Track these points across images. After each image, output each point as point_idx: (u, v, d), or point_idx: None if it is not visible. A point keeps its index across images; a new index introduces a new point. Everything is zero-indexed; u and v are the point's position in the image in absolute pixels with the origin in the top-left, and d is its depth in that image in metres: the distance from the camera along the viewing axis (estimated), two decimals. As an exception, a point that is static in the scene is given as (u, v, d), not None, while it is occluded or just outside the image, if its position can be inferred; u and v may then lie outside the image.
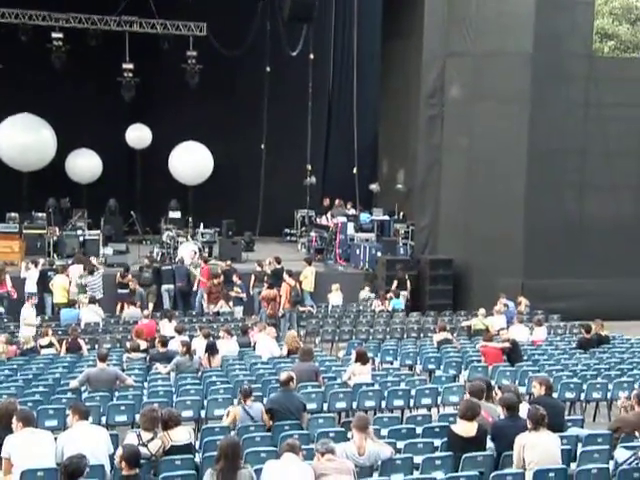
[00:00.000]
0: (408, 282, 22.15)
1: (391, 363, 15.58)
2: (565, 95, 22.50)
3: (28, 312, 16.76)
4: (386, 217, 27.00)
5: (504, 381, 12.88)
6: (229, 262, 22.22)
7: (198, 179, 28.76)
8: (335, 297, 21.48)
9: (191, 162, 28.51)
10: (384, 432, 9.52)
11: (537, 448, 8.03)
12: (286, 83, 29.04)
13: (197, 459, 8.62)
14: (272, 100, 29.51)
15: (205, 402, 11.36)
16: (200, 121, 28.30)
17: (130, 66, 26.61)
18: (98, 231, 24.89)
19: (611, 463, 8.38)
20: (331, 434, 9.32)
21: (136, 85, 26.64)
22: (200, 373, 13.04)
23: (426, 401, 12.10)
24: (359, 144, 27.06)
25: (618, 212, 22.62)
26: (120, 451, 7.44)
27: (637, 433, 8.56)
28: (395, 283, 21.84)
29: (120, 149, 28.86)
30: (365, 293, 21.84)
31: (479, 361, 14.43)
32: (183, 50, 27.88)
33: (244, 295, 20.79)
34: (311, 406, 11.27)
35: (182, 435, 8.40)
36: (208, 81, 27.35)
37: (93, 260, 20.86)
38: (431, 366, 14.86)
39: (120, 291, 20.42)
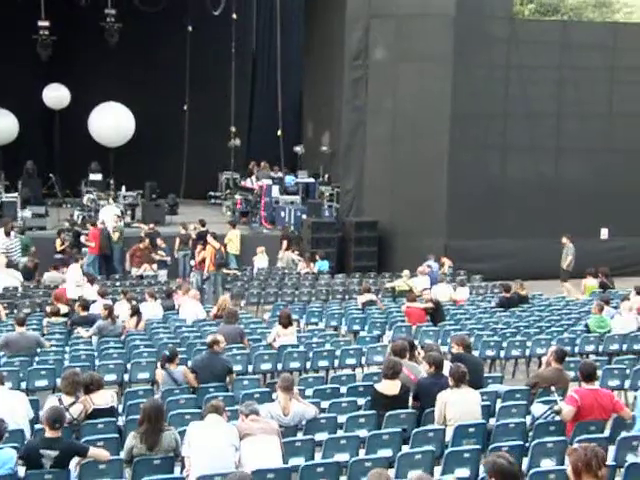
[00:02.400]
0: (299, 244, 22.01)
1: (316, 324, 15.65)
2: (487, 57, 22.71)
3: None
4: (311, 179, 26.95)
5: (427, 340, 13.07)
6: (152, 225, 21.91)
7: (119, 141, 28.15)
8: (260, 260, 21.43)
9: (111, 123, 27.86)
10: (309, 392, 9.59)
11: (458, 405, 8.19)
12: (208, 43, 28.56)
13: (120, 422, 8.55)
14: (194, 60, 28.99)
15: (129, 365, 11.25)
16: (121, 81, 27.64)
17: (46, 24, 25.69)
18: (16, 194, 24.19)
19: (528, 418, 8.60)
20: (256, 395, 9.35)
21: (53, 43, 25.79)
22: (123, 337, 12.88)
23: (350, 361, 12.21)
24: (283, 106, 26.88)
25: (538, 174, 23.03)
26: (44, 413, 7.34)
27: (553, 388, 8.77)
28: (285, 243, 21.80)
29: (38, 110, 28.02)
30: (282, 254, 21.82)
31: (403, 321, 14.60)
32: (102, 8, 27.06)
33: (168, 258, 20.56)
34: (236, 368, 11.23)
35: (104, 399, 8.31)
36: (128, 40, 26.65)
37: (11, 222, 20.20)
38: (356, 327, 14.99)
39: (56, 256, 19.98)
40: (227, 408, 7.93)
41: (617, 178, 23.36)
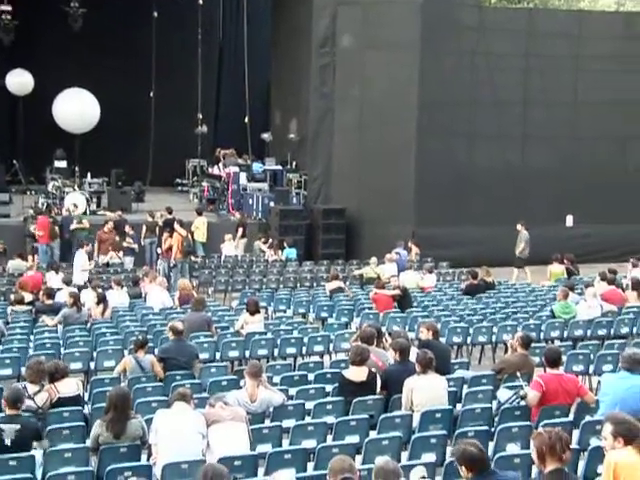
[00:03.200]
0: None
1: (284, 312, 15.66)
2: (454, 45, 22.75)
3: None
4: (279, 167, 26.88)
5: (394, 327, 13.07)
6: (119, 212, 21.74)
7: (84, 127, 27.74)
8: (228, 247, 21.36)
9: (76, 110, 27.44)
10: (276, 379, 9.59)
11: (424, 391, 8.23)
12: (174, 29, 28.32)
13: (86, 410, 8.49)
14: (160, 47, 28.72)
15: (94, 354, 11.16)
16: (85, 67, 27.25)
17: (8, 8, 25.29)
18: (-21, 181, 23.88)
19: (494, 403, 8.67)
20: (223, 382, 9.35)
21: (15, 28, 25.38)
22: (89, 325, 12.77)
23: (318, 348, 12.22)
24: (251, 93, 26.75)
25: (505, 161, 23.17)
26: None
27: (519, 374, 8.85)
28: (241, 231, 21.73)
29: (1, 96, 27.59)
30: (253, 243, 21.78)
31: (370, 308, 14.64)
32: (65, -8, 26.69)
33: (136, 246, 20.43)
34: (203, 355, 11.24)
35: (70, 387, 8.25)
36: (93, 26, 26.31)
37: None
38: (324, 314, 15.01)
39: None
40: (194, 396, 7.92)
41: (582, 166, 23.59)
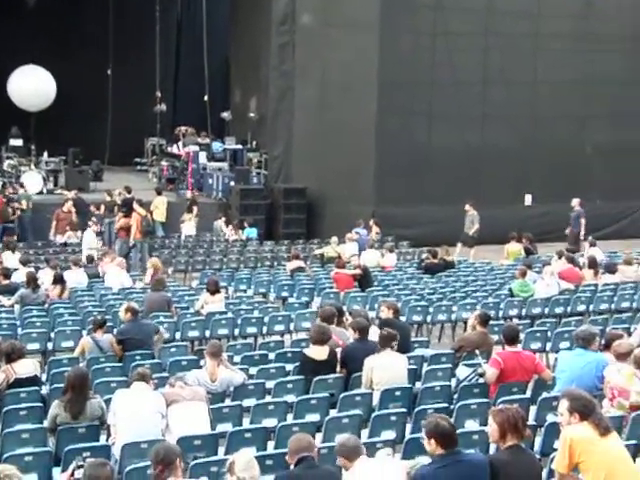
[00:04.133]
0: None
1: (245, 291, 15.63)
2: (414, 24, 22.68)
3: None
4: (239, 146, 26.71)
5: (355, 306, 13.13)
6: (75, 192, 21.46)
7: (40, 105, 27.28)
8: (188, 227, 21.22)
9: (32, 87, 26.93)
10: (237, 359, 9.59)
11: (385, 369, 8.28)
12: (131, 6, 27.85)
13: (44, 391, 8.40)
14: (117, 24, 28.21)
15: (52, 334, 11.04)
16: (41, 44, 26.76)
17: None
18: None
19: (453, 381, 8.74)
20: (183, 362, 9.32)
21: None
22: (47, 305, 12.62)
23: (279, 328, 12.23)
24: (210, 71, 26.40)
25: (464, 141, 23.21)
26: None
27: (477, 351, 8.94)
28: (195, 209, 21.50)
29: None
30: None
31: (331, 288, 14.66)
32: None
33: (99, 226, 20.20)
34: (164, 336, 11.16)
35: (27, 367, 8.16)
36: (48, 2, 25.85)
37: None
38: (284, 293, 15.01)
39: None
40: (154, 376, 7.89)
41: (541, 145, 23.70)
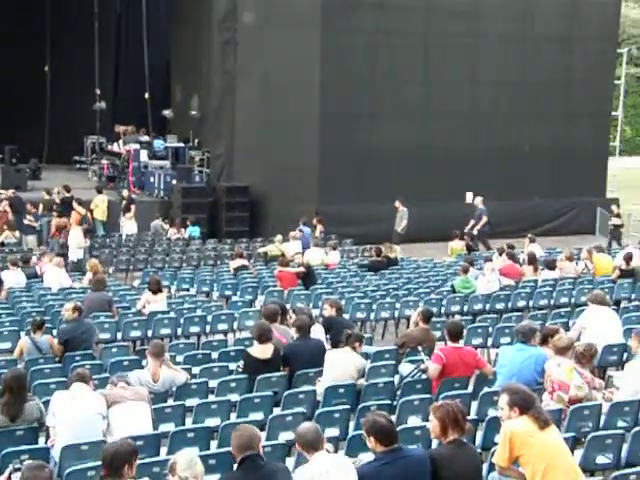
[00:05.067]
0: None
1: (187, 290, 15.50)
2: (355, 22, 22.70)
3: None
4: (181, 144, 26.53)
5: (299, 304, 13.11)
6: (13, 190, 21.04)
7: (-26, 101, 26.77)
8: (129, 226, 20.97)
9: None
10: (180, 358, 9.52)
11: (336, 365, 8.31)
12: (70, 1, 27.41)
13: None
14: (55, 19, 27.83)
15: (-11, 336, 10.79)
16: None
17: None
18: None
19: (396, 377, 8.79)
20: (125, 363, 9.18)
21: None
22: (-17, 306, 12.34)
23: (222, 326, 12.16)
24: (150, 68, 26.15)
25: (407, 139, 23.35)
26: None
27: (420, 347, 9.00)
28: (133, 208, 21.29)
29: None
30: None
31: (275, 286, 14.64)
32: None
33: (37, 224, 19.84)
34: (104, 336, 11.07)
35: (-37, 371, 7.94)
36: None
37: None
38: (228, 292, 14.92)
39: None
40: (94, 376, 7.78)
41: (481, 144, 23.97)
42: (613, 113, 27.05)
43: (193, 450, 6.10)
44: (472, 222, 20.95)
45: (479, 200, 21.32)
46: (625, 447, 6.56)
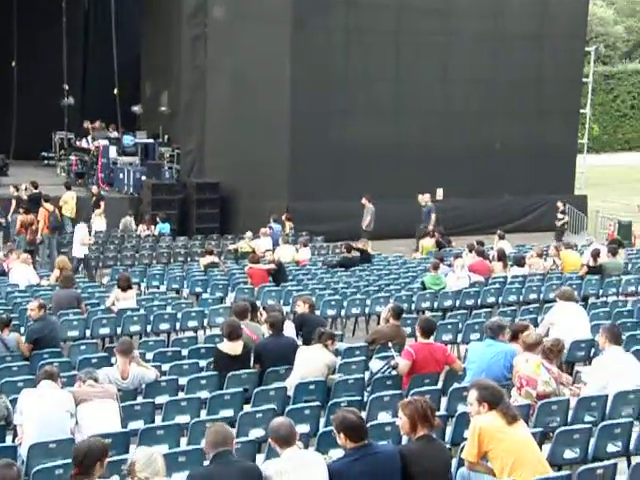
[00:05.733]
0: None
1: (157, 287, 15.41)
2: (326, 19, 22.71)
3: None
4: (150, 140, 26.37)
5: (269, 301, 13.10)
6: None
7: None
8: (98, 222, 20.81)
9: None
10: (149, 356, 9.45)
11: (307, 362, 8.31)
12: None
13: (-54, 394, 8.09)
14: (21, 14, 27.47)
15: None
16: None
17: None
18: None
19: (367, 373, 8.81)
20: (94, 360, 9.12)
21: None
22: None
23: (192, 323, 12.10)
24: (119, 64, 25.89)
25: (378, 136, 23.38)
26: None
27: (390, 344, 9.02)
28: (102, 205, 21.19)
29: None
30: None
31: (245, 283, 14.60)
32: None
33: (2, 220, 19.60)
34: (73, 333, 10.98)
35: None
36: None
37: None
38: (198, 289, 14.85)
39: None
40: (62, 374, 7.71)
41: (452, 141, 24.09)
42: (581, 111, 27.29)
43: (160, 448, 6.08)
44: (424, 221, 20.92)
45: (427, 197, 21.33)
46: (592, 441, 6.62)
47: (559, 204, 23.35)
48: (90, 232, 20.32)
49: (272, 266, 15.05)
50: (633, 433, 6.77)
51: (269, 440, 5.61)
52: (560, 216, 23.20)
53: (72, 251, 17.21)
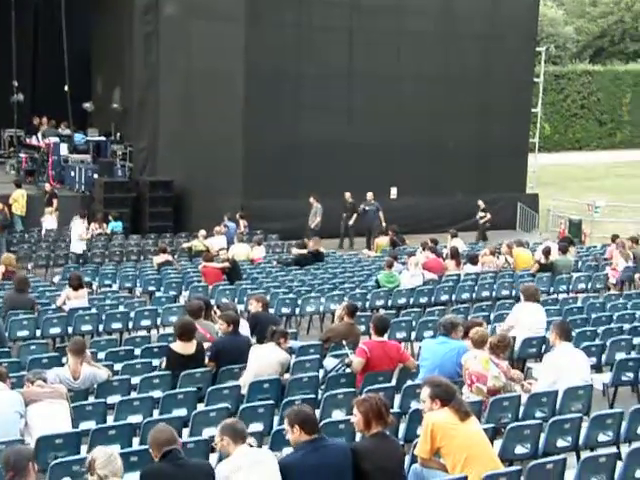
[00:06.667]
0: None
1: (110, 286, 15.26)
2: (279, 16, 22.64)
3: None
4: (102, 137, 26.06)
5: (224, 299, 13.06)
6: None
7: None
8: (49, 221, 20.53)
9: None
10: (101, 355, 9.35)
11: (260, 361, 8.28)
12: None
13: None
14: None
15: None
16: None
17: None
18: None
19: (321, 371, 8.82)
20: (44, 360, 9.00)
21: None
22: None
23: (145, 322, 12.01)
24: (70, 60, 25.50)
25: (332, 134, 23.37)
26: None
27: (345, 342, 9.04)
28: (55, 203, 20.95)
29: None
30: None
31: (199, 281, 14.53)
32: None
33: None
34: (23, 333, 10.85)
35: None
36: None
37: None
38: (151, 288, 14.75)
39: None
40: (12, 374, 7.60)
41: (405, 139, 24.16)
42: (533, 110, 27.63)
43: (114, 447, 6.01)
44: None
45: (370, 196, 21.41)
46: (542, 437, 6.71)
47: (480, 202, 23.09)
48: (41, 231, 20.13)
49: (226, 264, 15.02)
50: (582, 428, 6.87)
51: (221, 439, 5.58)
52: (481, 214, 22.92)
53: (70, 247, 17.36)
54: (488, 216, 22.94)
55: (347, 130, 23.59)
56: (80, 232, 17.82)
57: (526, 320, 10.05)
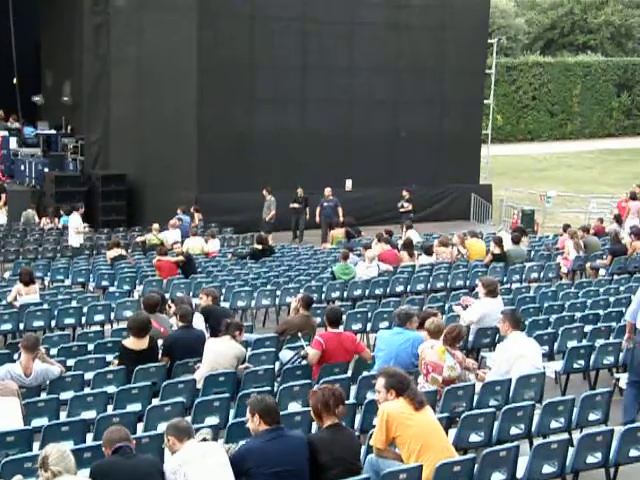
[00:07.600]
0: None
1: (62, 281, 15.07)
2: (232, 7, 22.51)
3: None
4: (53, 131, 25.71)
5: (178, 293, 12.97)
6: None
7: None
8: (-1, 216, 20.25)
9: None
10: (54, 351, 9.25)
11: (215, 354, 8.24)
12: None
13: None
14: None
15: None
16: None
17: None
18: None
19: (277, 364, 8.81)
20: (-5, 358, 8.83)
21: None
22: None
23: (99, 318, 11.90)
24: (18, 52, 25.07)
25: (285, 126, 23.33)
26: None
27: (300, 334, 9.04)
28: (4, 197, 20.75)
29: None
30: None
31: (154, 275, 14.43)
32: None
33: None
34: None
35: None
36: None
37: None
38: (105, 283, 14.59)
39: None
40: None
41: (359, 130, 24.22)
42: (485, 101, 27.87)
43: (67, 444, 5.94)
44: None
45: (328, 191, 21.38)
46: (496, 425, 6.78)
47: (404, 192, 22.24)
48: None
49: (181, 258, 14.92)
50: (535, 416, 6.96)
51: (167, 440, 5.58)
52: (406, 204, 22.08)
53: (67, 240, 17.38)
54: (410, 207, 22.30)
55: (302, 121, 23.57)
56: (76, 225, 17.89)
57: (490, 319, 9.94)
